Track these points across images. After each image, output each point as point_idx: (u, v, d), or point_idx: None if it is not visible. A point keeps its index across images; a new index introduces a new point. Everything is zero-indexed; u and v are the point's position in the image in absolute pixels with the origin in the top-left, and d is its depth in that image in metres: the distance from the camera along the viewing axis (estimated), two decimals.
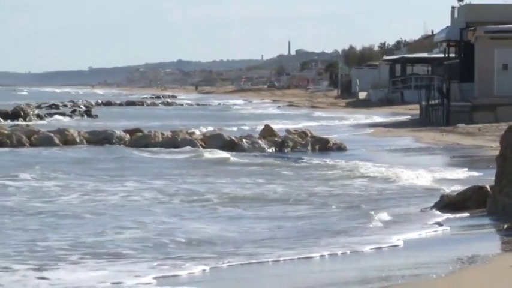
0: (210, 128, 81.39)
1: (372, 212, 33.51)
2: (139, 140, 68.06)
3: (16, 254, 24.58)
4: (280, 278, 21.23)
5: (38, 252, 25.06)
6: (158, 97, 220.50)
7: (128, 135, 69.16)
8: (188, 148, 66.40)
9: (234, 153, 62.99)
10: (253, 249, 25.60)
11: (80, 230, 29.86)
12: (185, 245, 26.88)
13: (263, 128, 72.13)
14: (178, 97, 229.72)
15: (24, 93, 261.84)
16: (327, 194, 40.90)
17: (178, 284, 20.29)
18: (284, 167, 52.24)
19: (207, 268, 22.21)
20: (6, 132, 71.58)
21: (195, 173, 49.51)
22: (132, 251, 25.40)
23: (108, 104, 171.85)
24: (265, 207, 36.22)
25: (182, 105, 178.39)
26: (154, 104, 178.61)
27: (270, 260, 23.38)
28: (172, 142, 67.06)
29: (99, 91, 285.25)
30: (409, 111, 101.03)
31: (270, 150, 64.72)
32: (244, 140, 67.72)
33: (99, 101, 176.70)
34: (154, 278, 20.88)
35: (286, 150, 64.87)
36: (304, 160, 57.16)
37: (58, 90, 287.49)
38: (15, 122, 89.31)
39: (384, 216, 32.59)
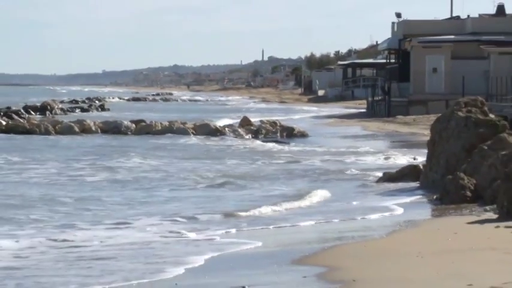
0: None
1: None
2: (142, 128, 67.88)
3: None
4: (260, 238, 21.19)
5: None
6: (158, 94, 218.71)
7: (134, 125, 68.90)
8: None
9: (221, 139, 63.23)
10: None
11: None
12: None
13: (242, 119, 72.01)
14: (174, 94, 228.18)
15: (64, 91, 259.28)
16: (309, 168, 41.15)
17: None
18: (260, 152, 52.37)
19: None
20: (35, 122, 71.45)
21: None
22: None
23: (119, 99, 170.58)
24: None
25: (177, 100, 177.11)
26: (155, 100, 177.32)
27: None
28: (169, 130, 66.94)
29: (111, 90, 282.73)
30: (358, 106, 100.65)
31: (247, 137, 64.54)
32: (226, 129, 67.71)
33: (111, 97, 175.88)
34: None
35: (260, 137, 64.74)
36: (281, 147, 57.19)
37: (86, 89, 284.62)
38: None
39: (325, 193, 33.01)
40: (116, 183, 36.08)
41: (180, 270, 16.93)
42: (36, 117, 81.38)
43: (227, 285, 15.37)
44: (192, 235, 21.72)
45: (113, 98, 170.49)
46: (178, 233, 22.13)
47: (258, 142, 60.83)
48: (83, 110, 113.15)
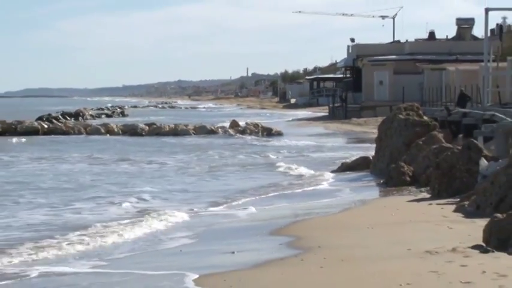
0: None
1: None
2: (153, 130, 67.60)
3: None
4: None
5: None
6: (165, 103, 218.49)
7: (147, 127, 68.73)
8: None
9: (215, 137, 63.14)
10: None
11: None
12: None
13: (231, 122, 71.87)
14: (178, 102, 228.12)
15: (92, 101, 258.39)
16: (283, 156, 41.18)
17: None
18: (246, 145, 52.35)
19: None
20: (70, 125, 71.36)
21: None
22: None
23: (134, 107, 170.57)
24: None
25: (181, 108, 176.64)
26: (163, 108, 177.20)
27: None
28: (175, 131, 66.88)
29: (129, 100, 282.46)
30: (321, 110, 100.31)
31: (236, 135, 64.45)
32: (219, 129, 67.63)
33: (128, 105, 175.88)
34: None
35: (245, 135, 64.64)
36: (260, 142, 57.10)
37: (117, 99, 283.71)
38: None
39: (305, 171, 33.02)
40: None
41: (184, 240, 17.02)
42: (71, 121, 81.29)
43: (222, 251, 15.37)
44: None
45: (131, 106, 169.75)
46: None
47: (248, 138, 60.97)
48: (107, 115, 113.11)
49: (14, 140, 58.69)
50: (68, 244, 16.79)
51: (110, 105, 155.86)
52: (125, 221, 20.11)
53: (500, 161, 20.71)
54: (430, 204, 20.74)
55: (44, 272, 14.02)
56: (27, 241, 17.11)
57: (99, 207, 23.45)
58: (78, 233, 18.35)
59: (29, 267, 14.44)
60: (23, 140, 58.62)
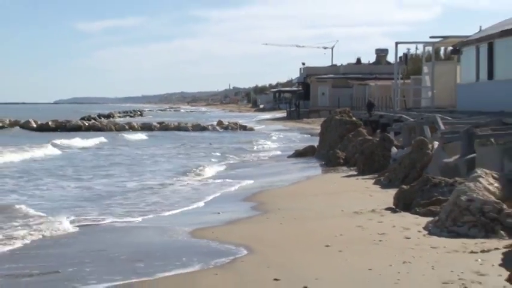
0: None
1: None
2: (163, 126, 67.32)
3: None
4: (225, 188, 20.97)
5: None
6: (171, 108, 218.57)
7: (158, 124, 68.55)
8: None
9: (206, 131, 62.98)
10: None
11: None
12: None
13: (218, 121, 71.50)
14: (180, 107, 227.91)
15: (119, 105, 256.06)
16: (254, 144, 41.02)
17: None
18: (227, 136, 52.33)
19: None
20: (104, 123, 70.94)
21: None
22: None
23: (150, 110, 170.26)
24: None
25: (182, 111, 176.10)
26: (170, 111, 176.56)
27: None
28: (178, 127, 66.80)
29: (146, 105, 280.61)
30: (281, 113, 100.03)
31: (221, 130, 64.30)
32: (210, 126, 67.44)
33: (145, 109, 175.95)
34: None
35: (227, 130, 64.46)
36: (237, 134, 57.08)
37: (137, 105, 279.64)
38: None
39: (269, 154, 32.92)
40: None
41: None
42: (104, 120, 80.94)
43: (211, 211, 15.33)
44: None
45: (147, 110, 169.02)
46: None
47: (230, 132, 60.91)
48: (130, 116, 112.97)
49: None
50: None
51: (132, 109, 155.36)
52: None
53: (405, 149, 20.83)
54: (357, 179, 20.75)
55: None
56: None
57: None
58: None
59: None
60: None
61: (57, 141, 42.00)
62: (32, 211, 15.09)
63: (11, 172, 25.81)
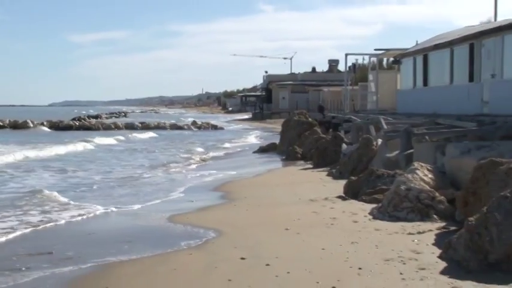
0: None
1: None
2: (144, 126, 66.86)
3: None
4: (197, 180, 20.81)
5: None
6: (152, 110, 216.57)
7: (140, 124, 68.03)
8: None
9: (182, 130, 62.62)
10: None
11: None
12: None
13: (192, 122, 71.34)
14: (160, 109, 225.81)
15: (107, 108, 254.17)
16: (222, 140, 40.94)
17: None
18: (201, 134, 52.14)
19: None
20: (93, 123, 70.29)
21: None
22: None
23: (132, 112, 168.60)
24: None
25: (160, 112, 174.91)
26: (151, 112, 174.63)
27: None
28: (157, 127, 66.30)
29: (130, 108, 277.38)
30: (247, 115, 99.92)
31: (195, 129, 64.00)
32: (185, 126, 67.10)
33: (129, 111, 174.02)
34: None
35: (200, 129, 64.22)
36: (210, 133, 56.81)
37: (122, 107, 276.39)
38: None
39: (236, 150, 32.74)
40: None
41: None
42: (93, 120, 79.89)
43: (185, 200, 15.25)
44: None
45: (131, 112, 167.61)
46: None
47: (201, 131, 60.66)
48: (115, 117, 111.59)
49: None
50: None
51: (117, 111, 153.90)
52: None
53: (353, 145, 20.92)
54: (312, 171, 20.80)
55: None
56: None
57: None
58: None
59: None
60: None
61: (89, 139, 42.22)
62: (57, 196, 15.56)
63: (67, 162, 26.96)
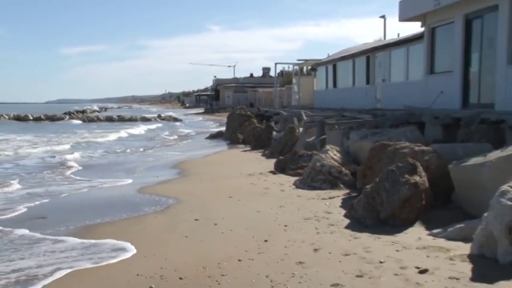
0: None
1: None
2: (120, 118, 65.19)
3: None
4: (161, 161, 20.47)
5: None
6: (127, 106, 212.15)
7: (117, 117, 66.61)
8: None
9: (150, 122, 61.50)
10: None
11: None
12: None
13: (157, 115, 70.28)
14: (132, 106, 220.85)
15: (93, 105, 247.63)
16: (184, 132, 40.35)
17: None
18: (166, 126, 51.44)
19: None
20: (80, 117, 68.44)
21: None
22: None
23: (111, 108, 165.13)
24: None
25: (134, 108, 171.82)
26: (125, 108, 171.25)
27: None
28: (130, 119, 64.57)
29: (109, 104, 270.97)
30: (201, 110, 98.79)
31: (160, 121, 63.03)
32: (152, 118, 65.87)
33: (113, 107, 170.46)
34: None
35: (164, 121, 63.23)
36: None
37: (103, 104, 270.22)
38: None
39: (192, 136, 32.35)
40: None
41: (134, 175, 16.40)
42: (80, 114, 77.50)
43: (151, 175, 14.96)
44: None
45: (110, 108, 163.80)
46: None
47: (164, 122, 59.79)
48: (98, 112, 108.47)
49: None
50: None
51: (100, 107, 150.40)
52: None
53: (281, 132, 20.98)
54: (251, 152, 20.71)
55: None
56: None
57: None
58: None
59: None
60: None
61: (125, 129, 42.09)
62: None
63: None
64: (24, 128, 45.39)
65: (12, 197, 11.54)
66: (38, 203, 10.89)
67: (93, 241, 7.47)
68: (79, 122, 61.97)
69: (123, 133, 38.39)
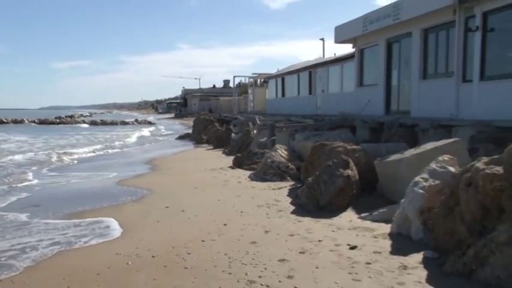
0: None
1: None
2: (103, 122, 64.01)
3: None
4: (135, 157, 20.01)
5: None
6: (108, 112, 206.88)
7: (100, 121, 64.94)
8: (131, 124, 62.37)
9: (128, 125, 60.16)
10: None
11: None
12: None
13: (135, 119, 68.95)
14: (113, 112, 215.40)
15: (79, 110, 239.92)
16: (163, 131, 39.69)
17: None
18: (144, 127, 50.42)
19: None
20: (68, 120, 66.37)
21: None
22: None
23: (95, 113, 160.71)
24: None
25: (114, 114, 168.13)
26: (107, 113, 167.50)
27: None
28: (112, 123, 63.08)
29: (93, 110, 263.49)
30: (172, 115, 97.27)
31: (137, 124, 61.75)
32: (130, 122, 64.57)
33: (97, 112, 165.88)
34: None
35: (140, 124, 62.01)
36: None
37: (89, 110, 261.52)
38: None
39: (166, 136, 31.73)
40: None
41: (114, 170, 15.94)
42: (68, 119, 75.23)
43: (128, 170, 14.53)
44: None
45: (94, 113, 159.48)
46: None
47: (141, 125, 58.53)
48: (84, 116, 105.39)
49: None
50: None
51: (86, 112, 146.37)
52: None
53: (239, 134, 20.90)
54: (213, 151, 20.40)
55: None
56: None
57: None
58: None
59: None
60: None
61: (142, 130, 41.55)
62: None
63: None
64: (49, 131, 43.24)
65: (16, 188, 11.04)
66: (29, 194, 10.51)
67: (77, 224, 7.25)
68: (86, 125, 60.11)
69: (107, 135, 37.46)
